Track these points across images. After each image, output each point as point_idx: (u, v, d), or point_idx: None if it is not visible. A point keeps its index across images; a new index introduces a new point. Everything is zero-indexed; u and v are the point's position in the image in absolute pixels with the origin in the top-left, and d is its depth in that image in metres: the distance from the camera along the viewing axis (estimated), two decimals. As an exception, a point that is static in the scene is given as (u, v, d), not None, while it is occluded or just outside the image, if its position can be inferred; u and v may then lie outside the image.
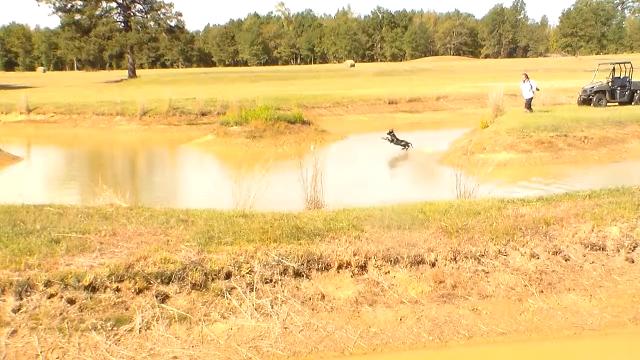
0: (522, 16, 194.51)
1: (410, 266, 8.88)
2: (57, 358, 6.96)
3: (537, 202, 11.23)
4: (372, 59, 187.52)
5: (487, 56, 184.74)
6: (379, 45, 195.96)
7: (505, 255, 9.29)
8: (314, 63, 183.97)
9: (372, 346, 7.71)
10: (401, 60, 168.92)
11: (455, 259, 9.08)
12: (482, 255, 9.19)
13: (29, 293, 7.57)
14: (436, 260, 9.00)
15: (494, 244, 9.38)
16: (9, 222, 9.48)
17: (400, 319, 8.12)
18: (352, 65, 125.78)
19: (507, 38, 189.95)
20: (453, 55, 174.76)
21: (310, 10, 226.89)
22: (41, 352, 6.98)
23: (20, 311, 7.38)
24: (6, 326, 7.19)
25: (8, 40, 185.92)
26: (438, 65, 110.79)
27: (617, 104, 31.75)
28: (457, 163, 15.28)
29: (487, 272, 9.00)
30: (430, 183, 18.06)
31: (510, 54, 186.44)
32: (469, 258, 9.12)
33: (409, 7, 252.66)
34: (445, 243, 9.29)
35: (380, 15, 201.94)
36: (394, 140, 24.16)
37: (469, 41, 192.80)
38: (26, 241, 8.61)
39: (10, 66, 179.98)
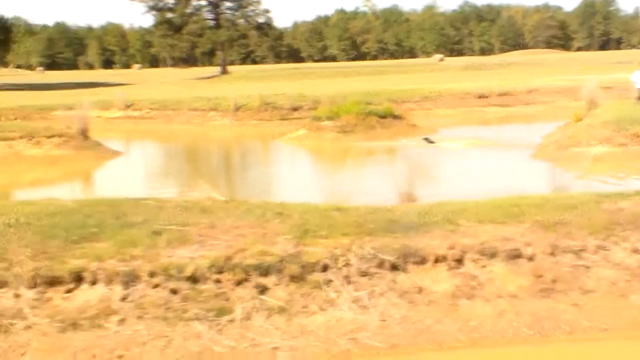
0: (613, 7, 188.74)
1: (508, 260, 8.79)
2: (163, 346, 7.19)
3: (637, 196, 10.90)
4: (460, 53, 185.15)
5: (578, 49, 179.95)
6: (467, 39, 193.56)
7: (605, 250, 9.08)
8: (403, 58, 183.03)
9: (471, 340, 7.67)
10: (490, 54, 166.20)
11: (553, 253, 8.94)
12: (581, 250, 9.00)
13: (134, 283, 7.84)
14: (534, 255, 8.88)
15: (593, 239, 9.17)
16: (113, 215, 9.80)
17: (499, 313, 8.05)
18: (441, 60, 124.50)
19: (599, 30, 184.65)
20: (543, 48, 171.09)
21: (397, 5, 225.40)
22: (148, 340, 7.23)
23: (127, 300, 7.66)
24: (115, 314, 7.48)
25: (105, 39, 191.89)
26: (528, 59, 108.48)
27: None
28: (551, 157, 15.05)
29: (587, 267, 8.82)
30: (523, 177, 17.75)
31: (603, 47, 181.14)
32: (568, 252, 8.95)
33: (497, 0, 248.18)
34: (542, 237, 9.14)
35: (467, 9, 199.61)
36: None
37: (559, 34, 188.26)
38: (130, 233, 8.89)
39: (107, 64, 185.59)
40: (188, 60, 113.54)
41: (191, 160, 25.86)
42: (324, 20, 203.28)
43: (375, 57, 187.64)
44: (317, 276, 8.28)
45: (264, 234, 9.11)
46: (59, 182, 20.31)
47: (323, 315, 7.85)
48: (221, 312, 7.66)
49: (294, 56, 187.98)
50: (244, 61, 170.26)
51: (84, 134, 24.25)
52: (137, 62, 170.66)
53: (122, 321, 7.41)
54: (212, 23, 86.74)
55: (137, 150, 30.00)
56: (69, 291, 7.70)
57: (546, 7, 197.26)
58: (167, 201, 11.02)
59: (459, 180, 17.96)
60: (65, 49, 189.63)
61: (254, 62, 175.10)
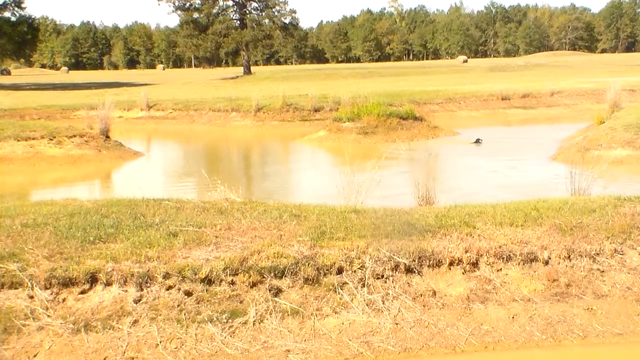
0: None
1: (523, 264, 8.74)
2: (175, 348, 7.18)
3: (657, 200, 10.79)
4: (485, 55, 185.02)
5: (603, 51, 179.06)
6: (492, 41, 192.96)
7: (622, 255, 9.00)
8: (427, 59, 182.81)
9: (483, 344, 7.61)
10: (515, 56, 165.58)
11: (569, 257, 8.87)
12: (598, 254, 8.94)
13: (148, 284, 7.85)
14: (549, 258, 8.82)
15: (610, 243, 9.10)
16: (131, 216, 9.85)
17: (513, 317, 8.00)
18: (465, 61, 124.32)
19: (625, 32, 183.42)
20: (568, 50, 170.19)
21: (423, 6, 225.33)
22: (160, 342, 7.22)
23: (141, 302, 7.67)
24: (128, 315, 7.49)
25: (131, 39, 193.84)
26: (553, 61, 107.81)
27: None
28: (571, 160, 14.88)
29: (603, 271, 8.75)
30: (542, 180, 17.63)
31: (629, 49, 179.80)
32: (584, 256, 8.89)
33: (523, 1, 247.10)
34: (558, 241, 9.10)
35: (493, 10, 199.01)
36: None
37: (585, 36, 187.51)
38: (146, 234, 8.93)
39: (132, 64, 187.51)
40: (212, 61, 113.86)
41: (211, 161, 25.90)
42: (350, 20, 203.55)
43: (399, 59, 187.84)
44: (332, 279, 8.26)
45: (280, 235, 9.11)
46: (79, 182, 20.46)
47: (336, 318, 7.83)
48: (234, 314, 7.66)
49: (318, 57, 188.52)
50: (267, 62, 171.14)
51: (105, 134, 24.41)
52: (161, 62, 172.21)
53: (135, 323, 7.42)
54: (237, 23, 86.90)
55: (158, 150, 29.98)
56: (83, 292, 7.72)
57: (573, 8, 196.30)
58: (185, 202, 11.05)
59: (478, 181, 17.90)
60: (91, 48, 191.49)
61: (278, 62, 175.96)
